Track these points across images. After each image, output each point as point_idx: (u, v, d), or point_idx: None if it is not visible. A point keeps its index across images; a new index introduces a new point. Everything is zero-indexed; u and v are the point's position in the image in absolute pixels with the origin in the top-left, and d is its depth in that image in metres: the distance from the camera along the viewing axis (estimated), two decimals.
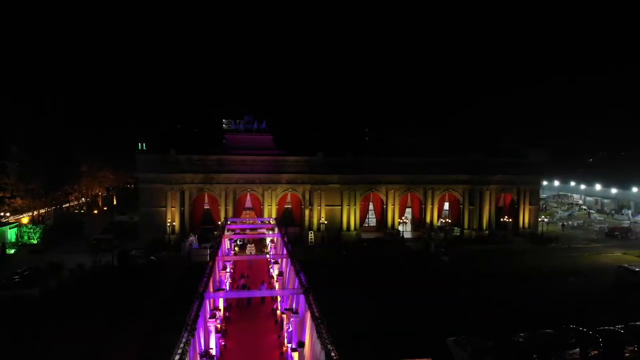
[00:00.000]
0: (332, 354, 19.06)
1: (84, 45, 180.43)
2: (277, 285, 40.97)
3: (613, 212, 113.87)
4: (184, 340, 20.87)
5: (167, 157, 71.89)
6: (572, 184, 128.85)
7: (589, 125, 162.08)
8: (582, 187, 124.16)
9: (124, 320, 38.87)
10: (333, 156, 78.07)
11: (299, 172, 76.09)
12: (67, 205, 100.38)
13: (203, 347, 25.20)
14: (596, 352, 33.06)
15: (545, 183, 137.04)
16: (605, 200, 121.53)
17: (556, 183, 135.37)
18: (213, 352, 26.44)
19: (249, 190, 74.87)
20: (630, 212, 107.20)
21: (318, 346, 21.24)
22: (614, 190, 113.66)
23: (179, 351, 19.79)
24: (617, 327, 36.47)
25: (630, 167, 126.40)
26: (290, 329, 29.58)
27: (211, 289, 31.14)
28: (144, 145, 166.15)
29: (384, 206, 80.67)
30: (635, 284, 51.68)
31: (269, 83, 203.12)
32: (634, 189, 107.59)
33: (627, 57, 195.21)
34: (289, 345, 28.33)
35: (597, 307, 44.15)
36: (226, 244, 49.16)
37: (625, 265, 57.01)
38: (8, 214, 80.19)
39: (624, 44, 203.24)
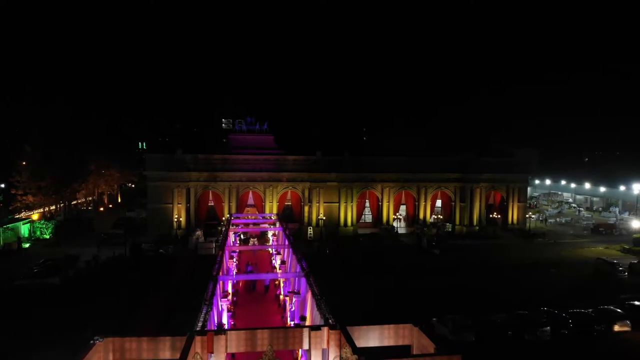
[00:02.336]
0: (330, 321, 22.90)
1: (91, 50, 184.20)
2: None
3: (600, 209, 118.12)
4: (204, 311, 24.75)
5: (173, 156, 75.66)
6: (563, 182, 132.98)
7: (583, 126, 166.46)
8: (573, 185, 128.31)
9: (142, 302, 42.81)
10: (331, 155, 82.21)
11: (298, 170, 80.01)
12: (75, 202, 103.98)
13: (217, 322, 29.04)
14: (566, 331, 36.99)
15: (537, 182, 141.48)
16: (595, 199, 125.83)
17: (548, 182, 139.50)
18: (226, 327, 30.28)
19: (251, 187, 78.79)
20: (617, 209, 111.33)
21: (318, 317, 25.05)
22: (602, 189, 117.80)
23: (202, 319, 23.67)
24: (589, 310, 40.41)
25: (621, 167, 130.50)
26: (293, 308, 33.42)
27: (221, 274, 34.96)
28: (144, 144, 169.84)
29: (380, 203, 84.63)
30: (611, 274, 55.81)
31: (269, 85, 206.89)
32: (622, 188, 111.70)
33: (621, 59, 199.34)
34: (292, 322, 32.14)
35: (574, 294, 48.03)
36: (231, 237, 53.06)
37: (604, 257, 61.30)
38: (22, 211, 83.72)
39: (620, 45, 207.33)
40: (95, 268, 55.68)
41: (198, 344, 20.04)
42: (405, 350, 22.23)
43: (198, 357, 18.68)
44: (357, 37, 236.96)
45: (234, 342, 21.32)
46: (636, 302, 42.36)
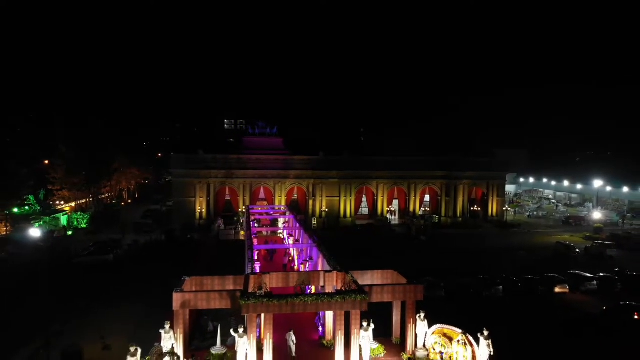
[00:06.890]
0: (338, 268, 33.95)
1: (99, 53, 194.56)
2: (293, 251, 55.60)
3: (574, 204, 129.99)
4: (250, 264, 35.83)
5: (195, 156, 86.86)
6: (545, 180, 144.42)
7: (577, 126, 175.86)
8: (553, 183, 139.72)
9: (186, 270, 53.52)
10: (332, 155, 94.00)
11: (304, 169, 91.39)
12: (101, 197, 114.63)
13: None
14: (515, 290, 48.16)
15: (522, 180, 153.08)
16: (573, 195, 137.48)
17: (531, 180, 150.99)
18: None
19: (262, 183, 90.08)
20: (591, 205, 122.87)
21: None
22: (579, 186, 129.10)
23: (249, 267, 34.75)
24: (536, 277, 51.52)
25: (608, 166, 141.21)
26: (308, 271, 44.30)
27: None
28: (148, 143, 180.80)
29: (375, 198, 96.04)
30: (566, 254, 67.23)
31: (272, 88, 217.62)
32: (596, 185, 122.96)
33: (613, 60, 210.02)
34: None
35: (532, 269, 58.43)
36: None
37: (562, 241, 72.68)
38: (61, 203, 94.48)
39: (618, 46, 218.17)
40: (137, 249, 66.59)
41: (252, 281, 30.79)
42: None
43: (256, 287, 29.15)
44: (353, 42, 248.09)
45: (274, 280, 32.22)
46: (578, 272, 53.51)
